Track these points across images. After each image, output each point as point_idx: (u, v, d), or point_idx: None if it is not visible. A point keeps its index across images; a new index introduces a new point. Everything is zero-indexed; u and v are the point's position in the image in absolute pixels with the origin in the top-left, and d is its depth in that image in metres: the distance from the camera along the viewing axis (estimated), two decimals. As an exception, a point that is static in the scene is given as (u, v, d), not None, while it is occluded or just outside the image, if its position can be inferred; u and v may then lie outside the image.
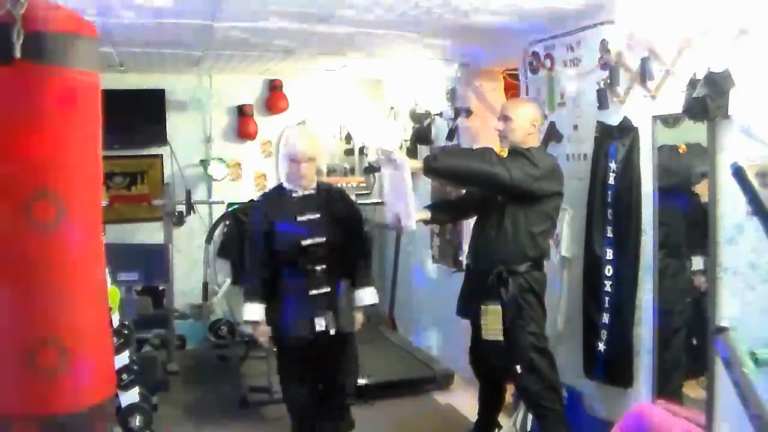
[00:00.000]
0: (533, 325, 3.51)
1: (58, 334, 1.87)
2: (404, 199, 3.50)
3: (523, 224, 3.49)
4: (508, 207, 3.51)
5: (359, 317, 3.87)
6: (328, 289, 3.72)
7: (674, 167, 3.43)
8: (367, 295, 3.85)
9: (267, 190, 4.19)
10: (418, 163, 3.51)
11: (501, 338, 3.49)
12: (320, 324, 3.69)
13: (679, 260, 3.48)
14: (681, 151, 3.43)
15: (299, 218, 3.70)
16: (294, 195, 3.76)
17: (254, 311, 3.72)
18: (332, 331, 3.72)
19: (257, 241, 3.79)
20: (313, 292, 3.69)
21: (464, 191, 4.16)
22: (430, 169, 3.45)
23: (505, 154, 3.44)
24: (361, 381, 4.37)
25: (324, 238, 3.69)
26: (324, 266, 3.70)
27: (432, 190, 5.48)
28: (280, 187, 3.86)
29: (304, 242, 3.67)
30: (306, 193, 3.76)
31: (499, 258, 3.52)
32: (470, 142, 4.96)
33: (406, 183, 3.45)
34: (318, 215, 3.72)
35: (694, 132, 3.08)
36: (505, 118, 3.60)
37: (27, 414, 1.86)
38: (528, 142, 3.55)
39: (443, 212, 4.15)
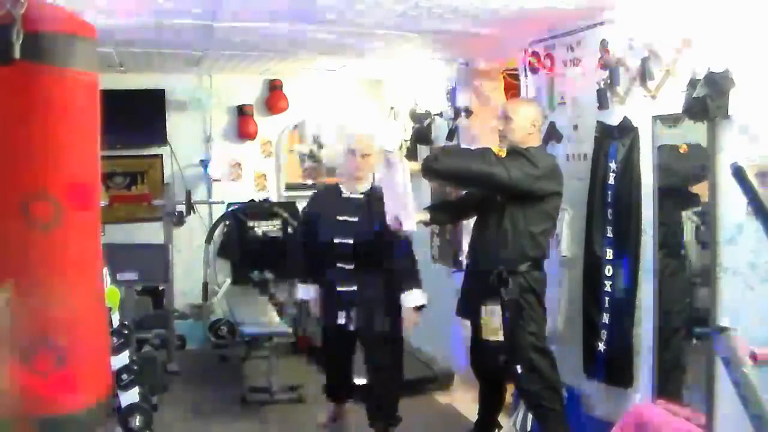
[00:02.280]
0: (533, 325, 3.51)
1: (56, 335, 1.87)
2: (403, 201, 3.50)
3: (522, 224, 3.49)
4: (508, 207, 3.50)
5: (410, 318, 4.01)
6: (355, 288, 3.97)
7: (674, 167, 3.42)
8: (413, 298, 3.98)
9: (324, 185, 4.67)
10: (416, 165, 3.52)
11: (501, 338, 3.48)
12: (341, 317, 4.01)
13: (679, 260, 3.48)
14: (682, 152, 3.42)
15: (338, 218, 4.01)
16: (342, 195, 4.09)
17: (305, 291, 4.25)
18: (351, 327, 3.99)
19: (303, 230, 4.33)
20: (340, 288, 4.00)
21: (464, 192, 4.16)
22: (428, 170, 3.45)
23: (503, 154, 3.44)
24: (361, 381, 4.38)
25: (351, 240, 3.96)
26: (351, 266, 3.97)
27: (432, 191, 5.48)
28: (336, 185, 4.22)
29: (335, 240, 3.99)
30: (353, 195, 4.08)
31: (499, 258, 3.52)
32: (470, 142, 4.96)
33: (405, 184, 3.45)
34: (356, 219, 4.00)
35: (694, 132, 3.08)
36: (505, 117, 3.60)
37: (24, 414, 1.86)
38: (528, 142, 3.55)
39: (443, 213, 4.16)
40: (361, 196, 4.08)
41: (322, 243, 4.06)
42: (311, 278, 4.19)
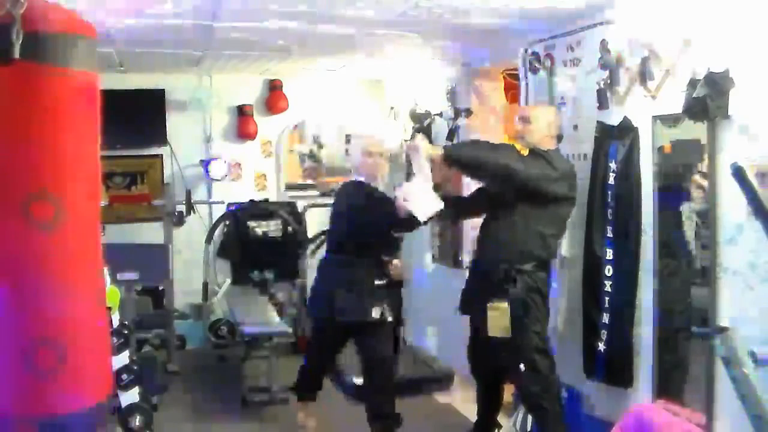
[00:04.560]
0: (538, 325, 3.52)
1: (56, 335, 1.87)
2: (421, 187, 3.51)
3: (533, 224, 3.50)
4: (520, 206, 3.51)
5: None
6: (339, 276, 4.10)
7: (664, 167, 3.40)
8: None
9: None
10: (437, 150, 3.51)
11: (509, 335, 3.48)
12: (330, 309, 4.06)
13: (677, 260, 3.47)
14: (666, 151, 3.39)
15: (341, 208, 4.19)
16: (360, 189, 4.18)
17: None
18: (340, 317, 4.02)
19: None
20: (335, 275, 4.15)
21: (474, 190, 4.12)
22: (451, 156, 3.47)
23: (525, 152, 3.47)
24: (361, 381, 4.38)
25: (345, 228, 4.13)
26: (347, 252, 4.09)
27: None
28: (359, 181, 4.28)
29: (334, 227, 4.25)
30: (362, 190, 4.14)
31: (507, 256, 3.52)
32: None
33: (422, 168, 3.46)
34: (350, 206, 4.11)
35: (695, 132, 3.07)
36: (523, 119, 3.64)
37: (25, 414, 1.86)
38: (544, 144, 3.57)
39: (453, 208, 4.08)
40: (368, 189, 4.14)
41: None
42: None
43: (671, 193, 3.37)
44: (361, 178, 4.18)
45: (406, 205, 3.56)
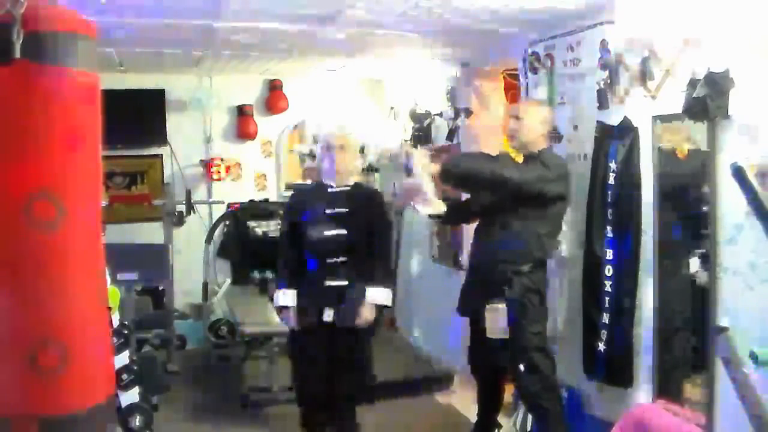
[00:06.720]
0: (536, 325, 3.52)
1: (58, 334, 1.86)
2: (420, 184, 3.55)
3: (530, 225, 3.50)
4: (516, 208, 3.51)
5: (366, 314, 3.79)
6: (345, 282, 3.82)
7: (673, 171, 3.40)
8: (378, 295, 3.81)
9: (306, 184, 4.48)
10: (426, 160, 3.53)
11: (506, 336, 3.48)
12: (328, 315, 3.81)
13: (677, 260, 3.47)
14: (681, 157, 3.37)
15: (327, 211, 3.86)
16: (330, 189, 3.94)
17: (285, 298, 3.89)
18: (331, 321, 3.80)
19: (287, 229, 4.04)
20: (329, 283, 3.82)
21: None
22: (447, 173, 3.47)
23: (520, 159, 3.48)
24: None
25: (345, 231, 3.81)
26: (344, 259, 3.83)
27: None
28: (320, 182, 4.05)
29: (327, 233, 3.81)
30: (340, 189, 3.92)
31: (504, 257, 3.52)
32: (470, 142, 4.96)
33: (420, 167, 3.51)
34: (346, 210, 3.86)
35: (695, 132, 3.08)
36: (516, 118, 3.64)
37: (27, 414, 1.86)
38: (538, 143, 3.57)
39: (456, 214, 4.06)
40: (349, 188, 3.95)
41: (311, 239, 3.86)
42: (291, 284, 3.94)
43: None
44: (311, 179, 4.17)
45: (408, 199, 3.58)
